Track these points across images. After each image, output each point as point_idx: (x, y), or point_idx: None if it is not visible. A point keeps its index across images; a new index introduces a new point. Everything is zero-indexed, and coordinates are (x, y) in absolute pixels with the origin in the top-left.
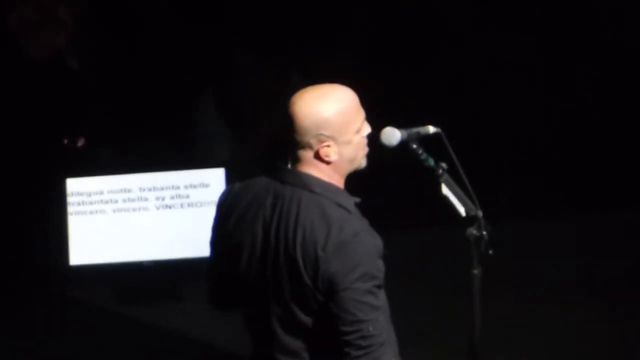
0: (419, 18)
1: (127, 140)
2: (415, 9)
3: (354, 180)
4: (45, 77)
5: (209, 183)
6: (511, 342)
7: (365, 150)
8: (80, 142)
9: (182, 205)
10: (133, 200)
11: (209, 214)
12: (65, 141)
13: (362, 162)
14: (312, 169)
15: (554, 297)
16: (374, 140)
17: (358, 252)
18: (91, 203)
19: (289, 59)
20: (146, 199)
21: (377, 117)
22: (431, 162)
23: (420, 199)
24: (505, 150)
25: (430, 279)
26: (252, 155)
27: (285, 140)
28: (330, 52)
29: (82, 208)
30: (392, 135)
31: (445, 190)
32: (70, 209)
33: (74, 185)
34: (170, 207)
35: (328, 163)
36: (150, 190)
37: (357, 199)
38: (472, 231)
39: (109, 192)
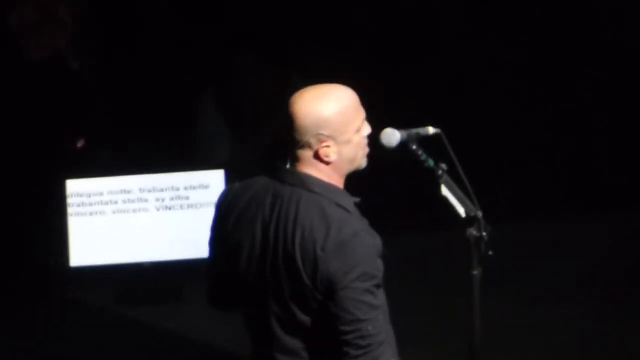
0: (419, 18)
1: (127, 142)
2: (415, 9)
3: (354, 180)
4: (45, 77)
5: (209, 184)
6: (511, 342)
7: (365, 150)
8: (81, 143)
9: (182, 207)
10: (133, 201)
11: (209, 216)
12: (65, 142)
13: (362, 162)
14: (312, 169)
15: (554, 297)
16: (373, 141)
17: (357, 252)
18: (91, 204)
19: (288, 59)
20: (146, 201)
21: (376, 118)
22: (431, 163)
23: (420, 199)
24: (505, 150)
25: (430, 279)
26: (252, 155)
27: (285, 140)
28: (330, 52)
29: (82, 209)
30: (392, 136)
31: (445, 191)
32: (70, 210)
33: (74, 186)
34: (170, 209)
35: (328, 163)
36: (150, 191)
37: (357, 199)
38: (472, 232)
39: (109, 193)
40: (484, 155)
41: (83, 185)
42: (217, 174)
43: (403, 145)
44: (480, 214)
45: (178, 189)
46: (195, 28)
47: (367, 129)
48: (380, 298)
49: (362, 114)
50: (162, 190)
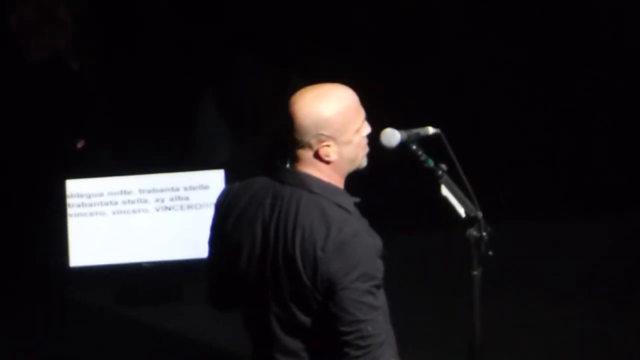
0: (419, 18)
1: (127, 142)
2: (415, 9)
3: (354, 180)
4: (45, 77)
5: (209, 185)
6: (511, 342)
7: (365, 149)
8: (80, 144)
9: (181, 207)
10: (133, 202)
11: (209, 216)
12: (65, 142)
13: (362, 162)
14: (312, 169)
15: (554, 297)
16: (373, 141)
17: (357, 252)
18: (91, 205)
19: (288, 59)
20: (146, 201)
21: (376, 118)
22: (431, 163)
23: (420, 200)
24: (505, 150)
25: (430, 279)
26: (252, 155)
27: (285, 140)
28: (330, 52)
29: (81, 210)
30: (391, 137)
31: (445, 191)
32: (70, 210)
33: (73, 186)
34: (169, 209)
35: (328, 163)
36: (150, 192)
37: (357, 199)
38: (472, 232)
39: (108, 193)
40: (484, 155)
41: (83, 185)
42: (216, 174)
43: (403, 145)
44: (480, 214)
45: (178, 190)
46: (195, 28)
47: (367, 129)
48: (380, 298)
49: (362, 113)
50: (161, 191)
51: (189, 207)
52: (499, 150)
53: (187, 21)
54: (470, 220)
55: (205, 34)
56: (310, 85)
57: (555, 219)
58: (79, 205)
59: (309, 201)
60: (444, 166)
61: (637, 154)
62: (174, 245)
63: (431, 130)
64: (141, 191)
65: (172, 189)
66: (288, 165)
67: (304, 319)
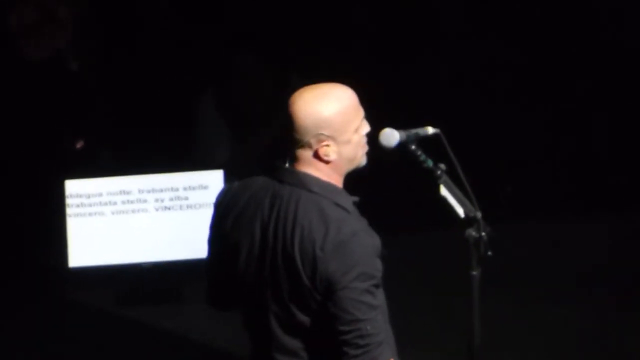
0: (419, 18)
1: (127, 142)
2: (415, 9)
3: (353, 180)
4: (44, 77)
5: (208, 185)
6: (511, 342)
7: (365, 148)
8: (80, 144)
9: (181, 207)
10: (132, 202)
11: (208, 216)
12: (65, 142)
13: (362, 161)
14: (311, 169)
15: (554, 297)
16: (372, 140)
17: (356, 251)
18: (90, 205)
19: (288, 59)
20: (145, 201)
21: (377, 118)
22: (430, 163)
23: (419, 200)
24: (506, 150)
25: (429, 279)
26: (252, 155)
27: (284, 140)
28: (331, 52)
29: (81, 210)
30: (391, 137)
31: (444, 191)
32: (69, 210)
33: (72, 186)
34: (169, 209)
35: (327, 162)
36: (149, 192)
37: (356, 198)
38: (471, 232)
39: (108, 193)
40: (484, 155)
41: (82, 185)
42: (216, 174)
43: (402, 145)
44: (479, 214)
45: (177, 189)
46: (195, 28)
47: (366, 128)
48: (379, 298)
49: (361, 113)
50: (161, 191)
51: (189, 207)
52: (499, 150)
53: (187, 21)
54: (469, 221)
55: (205, 34)
56: (310, 85)
57: (555, 219)
58: (78, 206)
59: (308, 200)
60: (443, 166)
61: (637, 154)
62: (173, 245)
63: (430, 130)
64: (140, 191)
65: (172, 189)
66: (287, 165)
67: (303, 318)
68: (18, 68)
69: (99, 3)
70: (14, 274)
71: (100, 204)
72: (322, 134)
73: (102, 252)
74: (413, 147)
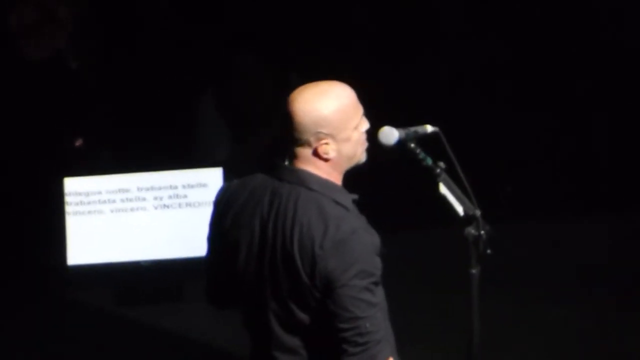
0: (419, 18)
1: (127, 142)
2: (416, 9)
3: (352, 178)
4: (44, 77)
5: (207, 183)
6: (511, 342)
7: (364, 145)
8: (79, 142)
9: (180, 205)
10: (131, 200)
11: (207, 214)
12: (65, 141)
13: (361, 158)
14: (310, 166)
15: (554, 297)
16: (372, 139)
17: (356, 249)
18: (89, 203)
19: (288, 59)
20: (144, 199)
21: (377, 118)
22: (429, 161)
23: (419, 198)
24: (506, 150)
25: (428, 277)
26: (252, 155)
27: (283, 138)
28: (330, 52)
29: (80, 208)
30: (390, 135)
31: (443, 189)
32: (68, 208)
33: (71, 185)
34: (168, 207)
35: (327, 160)
36: (148, 190)
37: (355, 196)
38: (471, 230)
39: (107, 192)
40: (484, 155)
41: (81, 183)
42: (214, 172)
43: (401, 143)
44: (478, 212)
45: (176, 187)
46: (195, 28)
47: (365, 125)
48: (379, 295)
49: (360, 110)
50: (159, 189)
51: (187, 205)
52: (499, 150)
53: (187, 21)
54: (468, 219)
55: (205, 34)
56: (308, 83)
57: (556, 219)
58: (77, 204)
59: (307, 198)
60: (442, 164)
61: (637, 154)
62: (172, 243)
63: (429, 128)
64: (139, 189)
65: (171, 187)
66: (286, 163)
67: (303, 316)
68: (18, 68)
69: (99, 3)
70: (13, 272)
71: (99, 202)
72: (321, 132)
73: (101, 250)
74: (412, 145)
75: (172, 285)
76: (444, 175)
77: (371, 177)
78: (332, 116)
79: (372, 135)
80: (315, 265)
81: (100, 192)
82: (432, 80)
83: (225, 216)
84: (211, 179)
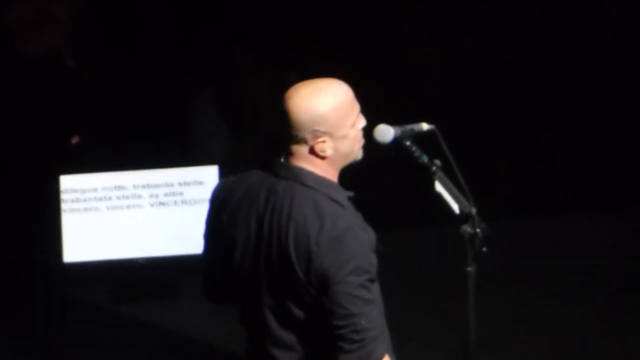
0: (419, 18)
1: (127, 142)
2: (415, 9)
3: (348, 175)
4: (41, 75)
5: (203, 180)
6: (510, 341)
7: (361, 142)
8: (75, 140)
9: (176, 203)
10: (127, 197)
11: (203, 211)
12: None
13: (358, 155)
14: (307, 164)
15: (554, 297)
16: (368, 136)
17: (351, 246)
18: (85, 200)
19: (288, 59)
20: (140, 196)
21: (377, 118)
22: (425, 159)
23: (414, 195)
24: (505, 150)
25: (424, 274)
26: (251, 155)
27: (280, 135)
28: (330, 52)
29: (75, 205)
30: (385, 132)
31: (439, 187)
32: (63, 206)
33: (67, 182)
34: (164, 204)
35: (323, 158)
36: (144, 187)
37: (351, 193)
38: (466, 228)
39: (103, 189)
40: (484, 155)
41: (77, 180)
42: (211, 169)
43: (397, 141)
44: (474, 210)
45: (172, 185)
46: (195, 28)
47: (362, 122)
48: (374, 292)
49: (357, 107)
50: (156, 186)
51: (184, 202)
52: (499, 150)
53: (187, 21)
54: (464, 216)
55: (205, 34)
56: (305, 80)
57: (555, 218)
58: (72, 201)
59: (302, 195)
60: (437, 162)
61: (637, 154)
62: (168, 240)
63: (425, 126)
64: (135, 186)
65: (167, 184)
66: (282, 160)
67: (298, 312)
68: (15, 66)
69: (99, 3)
70: (9, 269)
71: (95, 199)
72: (318, 130)
73: (97, 247)
74: (408, 142)
75: (168, 282)
76: (439, 173)
77: (367, 175)
78: (329, 114)
79: (368, 132)
80: (310, 262)
81: (96, 189)
82: (432, 80)
83: (221, 213)
84: (207, 176)
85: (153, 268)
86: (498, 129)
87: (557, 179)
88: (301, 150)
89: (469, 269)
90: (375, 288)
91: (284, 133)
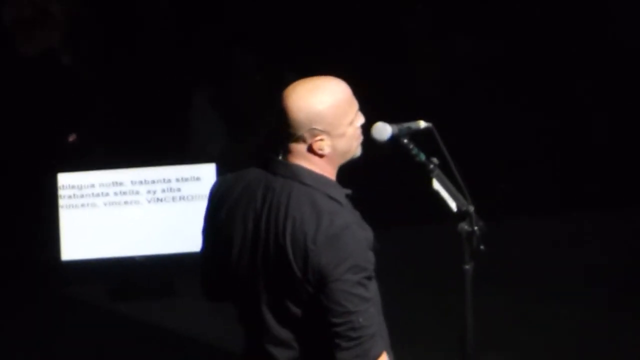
0: (419, 18)
1: (126, 142)
2: (415, 9)
3: (346, 174)
4: (37, 73)
5: (200, 177)
6: (510, 341)
7: (359, 139)
8: (72, 137)
9: (173, 199)
10: (125, 193)
11: (201, 208)
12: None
13: (356, 152)
14: (305, 162)
15: (554, 297)
16: (365, 135)
17: (349, 244)
18: (82, 197)
19: (287, 59)
20: (137, 193)
21: (377, 118)
22: (422, 157)
23: (412, 193)
24: (505, 149)
25: (421, 273)
26: (250, 155)
27: (278, 133)
28: (330, 52)
29: (73, 202)
30: (383, 130)
31: (436, 185)
32: (61, 202)
33: (65, 178)
34: (161, 201)
35: (321, 156)
36: (141, 183)
37: (348, 191)
38: (464, 226)
39: (100, 185)
40: (484, 155)
41: (74, 177)
42: (208, 166)
43: (394, 139)
44: (471, 208)
45: (169, 181)
46: (195, 28)
47: (360, 120)
48: (372, 290)
49: (355, 105)
50: (153, 182)
51: (181, 198)
52: (499, 150)
53: (187, 21)
54: (461, 214)
55: (205, 34)
56: (303, 79)
57: (555, 217)
58: (70, 197)
59: (300, 192)
60: (435, 160)
61: (637, 154)
62: (165, 237)
63: (423, 124)
64: (133, 183)
65: (164, 181)
66: (281, 158)
67: (296, 310)
68: (11, 64)
69: (99, 3)
70: (7, 267)
71: (93, 195)
72: (316, 129)
73: (95, 245)
74: (405, 140)
75: (166, 280)
76: (437, 171)
77: (365, 173)
78: (326, 112)
79: (365, 130)
80: (307, 259)
81: (93, 186)
82: (432, 80)
83: (219, 210)
84: (204, 173)
85: (151, 266)
86: (498, 129)
87: (557, 179)
88: (299, 148)
89: (467, 266)
90: (373, 286)
91: (282, 131)
